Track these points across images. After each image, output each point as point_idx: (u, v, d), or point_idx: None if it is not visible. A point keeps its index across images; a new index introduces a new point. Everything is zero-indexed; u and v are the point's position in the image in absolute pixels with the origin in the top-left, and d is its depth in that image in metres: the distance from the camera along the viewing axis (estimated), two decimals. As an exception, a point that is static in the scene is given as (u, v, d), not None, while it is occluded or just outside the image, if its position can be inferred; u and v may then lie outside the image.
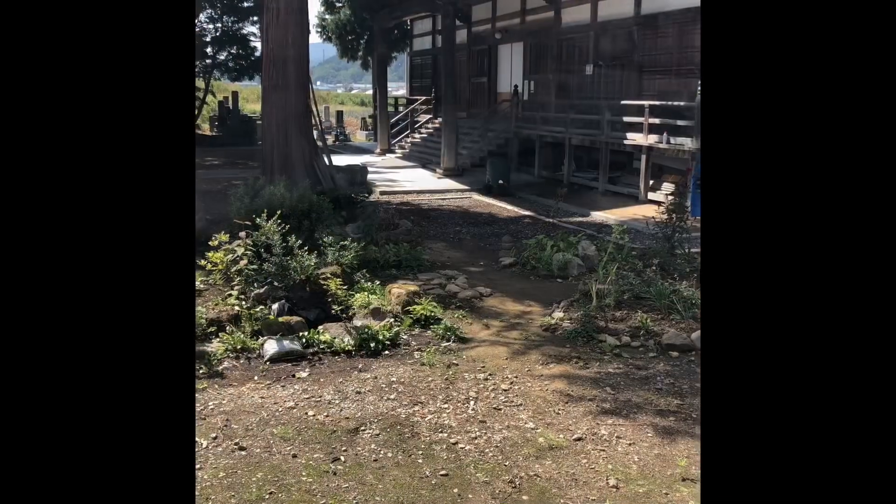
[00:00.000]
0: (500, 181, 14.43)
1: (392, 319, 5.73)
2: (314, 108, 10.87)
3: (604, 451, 3.79)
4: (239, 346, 5.16)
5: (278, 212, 6.59)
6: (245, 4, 25.43)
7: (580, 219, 11.89)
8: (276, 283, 5.99)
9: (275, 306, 5.76)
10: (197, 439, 3.83)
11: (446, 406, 4.31)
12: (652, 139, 12.79)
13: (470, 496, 3.33)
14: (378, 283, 6.59)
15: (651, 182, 12.95)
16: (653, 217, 8.63)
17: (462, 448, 3.79)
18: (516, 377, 4.77)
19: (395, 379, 4.72)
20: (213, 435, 3.89)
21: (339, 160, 15.04)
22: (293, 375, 4.79)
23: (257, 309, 5.63)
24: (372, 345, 5.24)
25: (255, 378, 4.75)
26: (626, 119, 13.80)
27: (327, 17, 26.85)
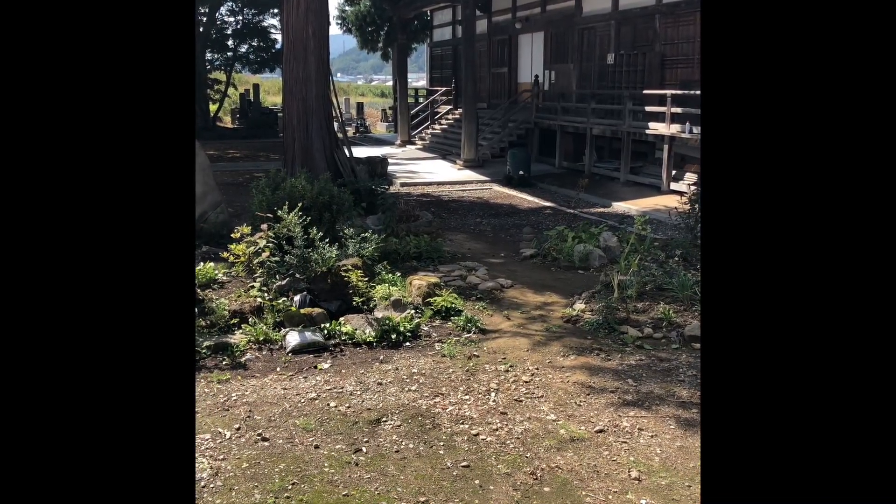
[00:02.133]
0: (521, 172, 14.37)
1: (413, 311, 5.74)
2: (334, 100, 10.89)
3: (626, 443, 3.77)
4: (261, 338, 5.20)
5: (299, 204, 6.62)
6: (265, -4, 25.50)
7: (602, 209, 11.83)
8: (297, 275, 6.02)
9: (296, 298, 5.79)
10: (220, 430, 3.87)
11: (467, 397, 4.31)
12: (674, 129, 12.67)
13: (491, 487, 3.34)
14: (399, 274, 6.60)
15: (673, 172, 12.84)
16: (675, 207, 8.56)
17: (483, 439, 3.79)
18: (537, 369, 4.76)
19: (416, 370, 4.73)
20: (237, 426, 3.93)
21: (360, 152, 15.08)
22: (315, 367, 4.82)
23: (279, 301, 5.67)
24: (393, 336, 5.26)
25: (278, 369, 4.79)
26: (647, 108, 13.68)
27: (347, 8, 26.85)
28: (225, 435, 3.82)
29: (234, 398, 4.31)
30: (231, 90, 27.51)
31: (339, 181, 9.31)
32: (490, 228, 10.12)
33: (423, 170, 16.46)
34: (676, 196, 10.82)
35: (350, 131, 24.78)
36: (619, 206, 11.91)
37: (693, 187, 10.01)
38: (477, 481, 3.39)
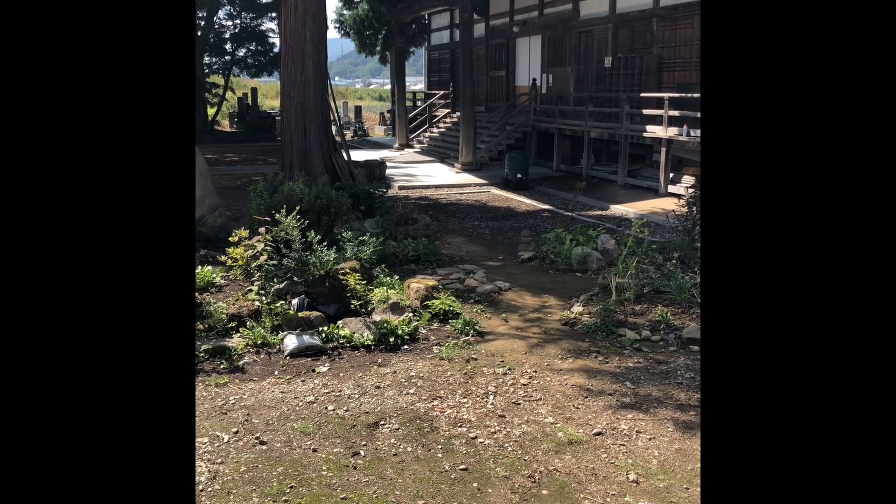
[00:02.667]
0: (519, 175, 14.38)
1: (411, 314, 5.74)
2: (332, 104, 10.90)
3: (623, 445, 3.77)
4: (259, 341, 5.20)
5: (297, 207, 6.63)
6: (263, 0, 25.54)
7: (599, 212, 11.84)
8: (295, 279, 6.02)
9: (294, 301, 5.79)
10: (218, 434, 3.87)
11: (465, 400, 4.31)
12: (672, 132, 12.69)
13: (489, 490, 3.34)
14: (397, 277, 6.60)
15: (671, 175, 12.86)
16: (673, 210, 8.57)
17: (481, 442, 3.79)
18: (535, 371, 4.76)
19: (414, 373, 4.73)
20: (235, 429, 3.92)
21: (358, 155, 15.08)
22: (313, 370, 4.82)
23: (277, 304, 5.67)
24: (391, 339, 5.26)
25: (276, 373, 4.79)
26: (645, 111, 13.70)
27: (345, 11, 26.89)
28: (223, 439, 3.82)
29: (232, 402, 4.30)
30: (229, 94, 27.54)
31: (337, 184, 9.31)
32: (488, 231, 10.13)
33: (421, 173, 16.47)
34: (674, 199, 10.83)
35: (348, 135, 24.78)
36: (617, 209, 11.92)
37: (691, 190, 10.02)
38: (475, 484, 3.39)
